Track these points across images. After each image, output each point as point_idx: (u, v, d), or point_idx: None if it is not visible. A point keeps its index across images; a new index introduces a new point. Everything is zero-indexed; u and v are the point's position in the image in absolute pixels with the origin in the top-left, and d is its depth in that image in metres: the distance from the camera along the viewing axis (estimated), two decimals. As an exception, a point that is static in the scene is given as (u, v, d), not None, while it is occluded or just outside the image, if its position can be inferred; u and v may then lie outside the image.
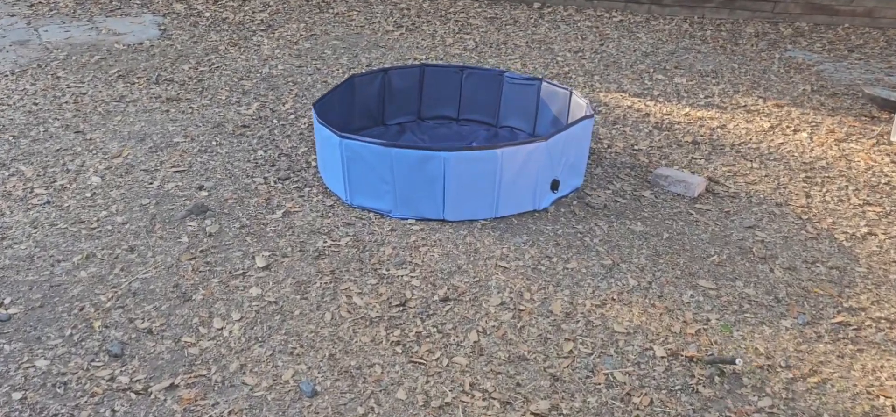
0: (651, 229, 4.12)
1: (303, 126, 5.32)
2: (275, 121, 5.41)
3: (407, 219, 4.04)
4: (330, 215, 4.09)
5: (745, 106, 6.22)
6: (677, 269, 3.76)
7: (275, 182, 4.44)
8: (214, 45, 7.13)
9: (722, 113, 6.02)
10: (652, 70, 7.00)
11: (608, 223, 4.14)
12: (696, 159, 5.16)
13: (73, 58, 6.66)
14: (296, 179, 4.51)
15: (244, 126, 5.28)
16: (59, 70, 6.35)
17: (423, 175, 3.90)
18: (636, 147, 5.29)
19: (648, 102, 6.18)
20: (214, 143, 4.96)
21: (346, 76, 5.03)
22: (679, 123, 5.78)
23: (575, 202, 4.36)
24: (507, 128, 5.41)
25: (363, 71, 6.38)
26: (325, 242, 3.81)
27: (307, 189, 4.37)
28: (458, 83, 5.43)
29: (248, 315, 3.25)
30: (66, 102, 5.62)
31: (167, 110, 5.51)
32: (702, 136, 5.55)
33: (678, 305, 3.45)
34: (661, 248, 3.93)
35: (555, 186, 4.22)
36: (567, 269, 3.67)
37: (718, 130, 5.68)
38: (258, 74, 6.42)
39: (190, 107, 5.60)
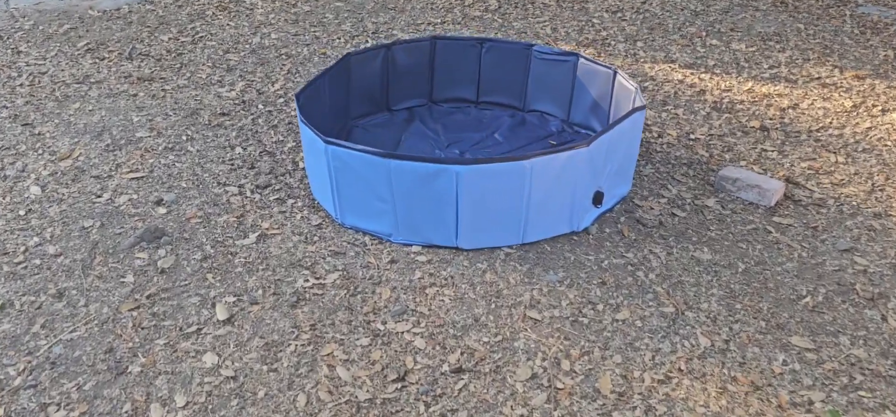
0: (721, 256, 3.23)
1: (292, 113, 4.47)
2: (260, 106, 4.56)
3: (411, 245, 3.20)
4: (315, 239, 3.26)
5: (819, 78, 5.22)
6: (761, 318, 2.88)
7: (252, 192, 3.61)
8: (201, 10, 6.25)
9: (792, 88, 5.03)
10: (704, 33, 5.99)
11: (666, 249, 3.26)
12: (766, 151, 4.23)
13: (40, 28, 5.83)
14: (278, 186, 3.67)
15: (223, 114, 4.43)
16: (21, 43, 5.53)
17: (431, 193, 3.05)
18: (693, 136, 4.36)
19: (703, 75, 5.21)
20: (184, 137, 4.13)
21: (343, 55, 4.15)
22: (742, 102, 4.82)
23: (623, 219, 3.47)
24: (536, 113, 4.51)
25: (363, 46, 5.47)
26: (307, 280, 2.99)
27: (290, 202, 3.53)
28: (476, 59, 4.52)
29: (196, 399, 2.45)
30: (21, 85, 4.81)
31: (135, 94, 4.68)
32: (771, 119, 4.59)
33: (768, 377, 2.59)
34: (737, 285, 3.05)
35: (598, 200, 3.34)
36: (617, 322, 2.82)
37: (790, 111, 4.72)
38: (247, 45, 5.54)
39: (162, 89, 4.76)
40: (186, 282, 2.99)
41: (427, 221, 3.14)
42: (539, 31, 6.01)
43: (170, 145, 4.04)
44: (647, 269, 3.13)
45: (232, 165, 3.87)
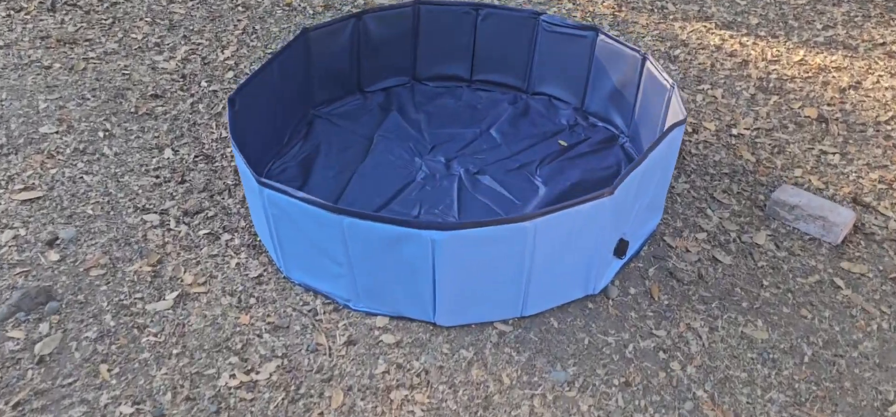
0: (780, 334, 2.47)
1: (240, 97, 3.59)
2: (203, 84, 3.69)
3: (375, 316, 2.43)
4: (252, 301, 2.49)
5: (883, 44, 4.32)
6: (837, 444, 2.15)
7: (177, 221, 2.81)
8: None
9: (852, 58, 4.14)
10: (745, -21, 5.01)
11: (708, 322, 2.49)
12: (825, 153, 3.40)
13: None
14: (212, 211, 2.88)
15: (155, 96, 3.57)
16: (-75, -14, 4.58)
17: (398, 260, 2.26)
18: (735, 130, 3.52)
19: (745, 39, 4.30)
20: (102, 133, 3.29)
21: (299, 31, 3.26)
22: (793, 78, 3.94)
23: (652, 271, 2.69)
24: (544, 97, 3.64)
25: (326, 17, 4.50)
26: (234, 375, 2.25)
27: (225, 238, 2.75)
28: (470, 29, 3.62)
29: None
30: (-87, 49, 3.93)
31: (49, 65, 3.80)
32: (829, 105, 3.74)
33: None
34: (803, 384, 2.31)
35: (621, 251, 2.55)
36: (646, 455, 2.09)
37: (851, 92, 3.85)
38: (197, -8, 4.59)
39: (85, 57, 3.87)
40: (71, 379, 2.23)
41: (395, 290, 2.36)
42: (548, -27, 5.03)
43: (81, 146, 3.21)
44: (684, 357, 2.37)
45: (157, 177, 3.06)
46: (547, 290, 2.44)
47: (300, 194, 2.29)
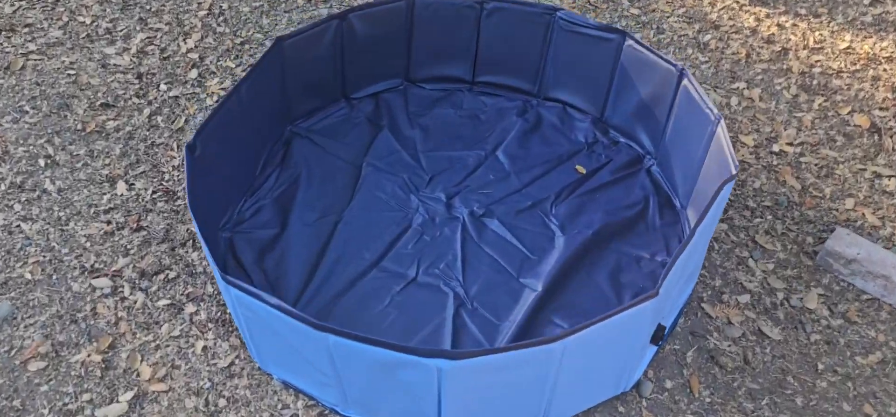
0: (844, 446, 2.11)
1: (209, 102, 3.10)
2: (162, 87, 3.17)
3: (368, 426, 2.05)
4: (222, 403, 2.10)
5: (939, 25, 3.81)
6: None
7: (132, 290, 2.38)
8: None
9: (906, 46, 3.65)
10: (780, -63, 4.42)
11: (759, 429, 2.13)
12: (881, 176, 2.98)
13: None
14: (174, 271, 2.44)
15: (107, 105, 3.06)
16: None
17: (397, 384, 1.85)
18: (776, 146, 3.08)
19: (783, 19, 3.79)
20: (43, 161, 2.81)
21: (273, 42, 2.71)
22: (839, 72, 3.47)
23: (690, 355, 2.30)
24: (557, 103, 3.16)
25: (303, 14, 3.89)
26: None
27: (189, 312, 2.33)
28: (473, 25, 3.09)
29: None
30: None
31: (-18, 63, 3.25)
32: (882, 109, 3.28)
33: None
34: None
35: (658, 337, 2.15)
36: None
37: (907, 91, 3.38)
38: (155, -42, 3.97)
39: (23, 51, 3.32)
40: None
41: (393, 405, 1.96)
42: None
43: (18, 180, 2.72)
44: (733, 481, 2.01)
45: (108, 223, 2.59)
46: (572, 400, 2.05)
47: (274, 301, 1.85)
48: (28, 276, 2.41)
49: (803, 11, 3.86)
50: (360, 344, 1.78)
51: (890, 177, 2.99)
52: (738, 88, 3.37)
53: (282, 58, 2.74)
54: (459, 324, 2.30)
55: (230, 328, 2.29)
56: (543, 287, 2.39)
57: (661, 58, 2.77)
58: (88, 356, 2.20)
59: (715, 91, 3.35)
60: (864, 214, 2.84)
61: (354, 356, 1.81)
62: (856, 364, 2.32)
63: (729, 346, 2.34)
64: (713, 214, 2.18)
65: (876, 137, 3.18)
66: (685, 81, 2.70)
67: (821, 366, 2.31)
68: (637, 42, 2.85)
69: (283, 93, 2.84)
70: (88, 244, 2.52)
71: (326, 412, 2.10)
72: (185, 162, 2.22)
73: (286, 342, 1.94)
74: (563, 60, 3.06)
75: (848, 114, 3.27)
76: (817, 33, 3.71)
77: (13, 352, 2.20)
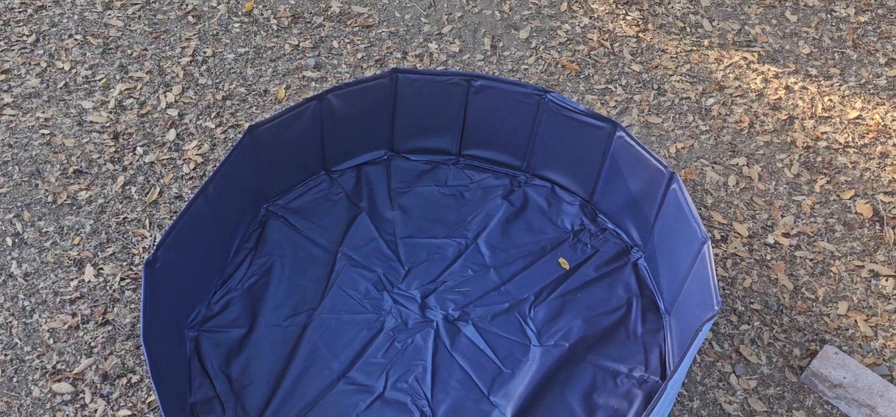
0: None
1: (182, 173, 3.01)
2: (140, 150, 3.09)
3: None
4: None
5: (956, 91, 3.63)
6: None
7: (93, 396, 2.34)
8: None
9: (919, 118, 3.48)
10: (796, -21, 4.21)
11: None
12: (878, 277, 2.87)
13: None
14: (137, 376, 2.39)
15: (80, 172, 2.98)
16: None
17: None
18: (771, 236, 2.98)
19: (792, 80, 3.63)
20: (11, 240, 2.76)
21: (245, 130, 2.60)
22: (846, 147, 3.33)
23: (660, 500, 2.22)
24: (547, 182, 3.05)
25: (295, 35, 3.76)
26: None
27: (148, 430, 2.28)
28: (461, 102, 2.97)
29: None
30: None
31: (-44, 118, 3.18)
32: (887, 193, 3.15)
33: None
34: None
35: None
36: None
37: (915, 172, 3.24)
38: (141, -10, 3.86)
39: (0, 102, 3.24)
40: None
41: None
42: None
43: (-17, 262, 2.67)
44: None
45: (74, 315, 2.54)
46: None
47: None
48: (-13, 379, 2.37)
49: (814, 72, 3.68)
50: None
51: (888, 277, 2.87)
52: (737, 164, 3.24)
53: (255, 145, 2.63)
54: (424, 452, 2.24)
55: (190, 447, 2.24)
56: (513, 411, 2.32)
57: (652, 156, 2.64)
58: (44, 476, 2.17)
59: (713, 168, 3.21)
60: (856, 321, 2.73)
61: None
62: None
63: (702, 486, 2.27)
64: (690, 355, 2.09)
65: (877, 227, 3.04)
66: (674, 186, 2.57)
67: None
68: (628, 135, 2.72)
69: (258, 175, 2.75)
70: (51, 341, 2.47)
71: None
72: (143, 279, 2.15)
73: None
74: (553, 141, 2.94)
75: (850, 199, 3.13)
76: (827, 99, 3.54)
77: (-32, 470, 2.17)
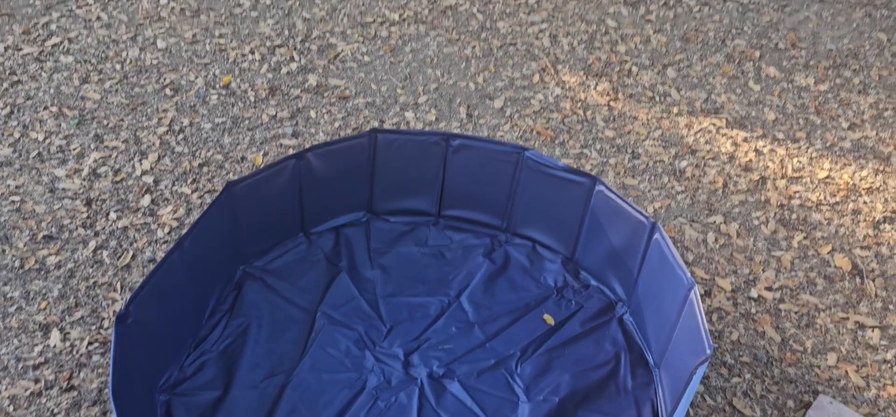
0: None
1: (163, 233, 2.93)
2: (112, 216, 3.01)
3: None
4: None
5: (919, 153, 3.74)
6: None
7: (54, 464, 2.16)
8: (65, -14, 4.46)
9: (885, 173, 3.58)
10: (757, 53, 4.39)
11: None
12: (864, 328, 2.85)
13: None
14: (103, 443, 2.23)
15: (49, 238, 2.89)
16: None
17: None
18: (754, 291, 2.96)
19: (761, 144, 3.71)
20: (-26, 306, 2.61)
21: (223, 188, 2.57)
22: (819, 205, 3.37)
23: None
24: (527, 240, 3.02)
25: (285, 69, 3.81)
26: None
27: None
28: (439, 161, 2.97)
29: None
30: None
31: (-79, 187, 3.08)
32: (863, 248, 3.18)
33: None
34: None
35: None
36: None
37: (886, 226, 3.30)
38: (118, 65, 3.87)
39: (-31, 171, 3.16)
40: None
41: None
42: (532, 41, 4.36)
43: (-57, 329, 2.52)
44: None
45: (36, 380, 2.40)
46: None
47: None
48: (-60, 449, 2.20)
49: (781, 136, 3.78)
50: None
51: (873, 328, 2.85)
52: (714, 222, 3.26)
53: (232, 202, 2.59)
54: None
55: None
56: (504, 468, 2.21)
57: (633, 208, 2.65)
58: None
59: (691, 225, 3.22)
60: (847, 372, 2.69)
61: None
62: None
63: None
64: (686, 400, 2.02)
65: (857, 280, 3.06)
66: (657, 236, 2.57)
67: None
68: (607, 188, 2.73)
69: (236, 234, 2.69)
70: (12, 408, 2.31)
71: None
72: (113, 335, 2.04)
73: None
74: (533, 198, 2.94)
75: (828, 253, 3.15)
76: (796, 160, 3.63)
77: None
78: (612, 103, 3.92)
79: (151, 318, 2.22)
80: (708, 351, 2.10)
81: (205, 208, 3.00)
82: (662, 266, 2.51)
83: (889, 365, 2.72)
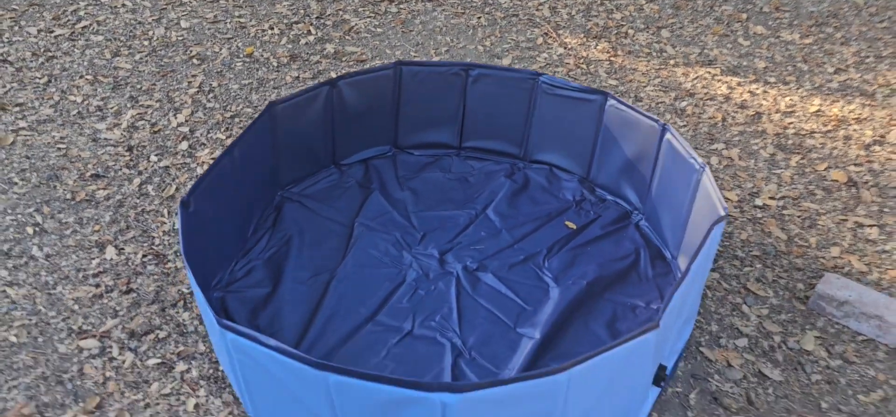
0: (855, 482, 2.07)
1: (202, 171, 3.11)
2: (153, 158, 3.18)
3: (369, 477, 1.96)
4: (214, 462, 2.00)
5: (902, 89, 3.99)
6: None
7: (122, 348, 2.31)
8: (89, -20, 4.69)
9: (871, 106, 3.81)
10: (744, 15, 4.67)
11: (768, 468, 2.08)
12: (862, 226, 3.04)
13: None
14: (164, 331, 2.38)
15: (97, 176, 3.06)
16: None
17: (400, 424, 1.79)
18: (758, 200, 3.14)
19: (754, 86, 3.94)
20: (32, 228, 2.77)
21: (265, 106, 2.77)
22: (812, 133, 3.59)
23: (693, 398, 2.28)
24: (545, 165, 3.22)
25: (303, 40, 4.04)
26: None
27: (180, 370, 2.26)
28: (459, 91, 3.18)
29: None
30: None
31: (-30, 140, 3.25)
32: (857, 165, 3.39)
33: None
34: None
35: (660, 378, 2.12)
36: None
37: (876, 148, 3.51)
38: (146, 42, 4.08)
39: (15, 126, 3.34)
40: None
41: (394, 453, 1.90)
42: (534, 12, 4.63)
43: (5, 247, 2.68)
44: None
45: (97, 286, 2.55)
46: (577, 440, 2.00)
47: (273, 342, 1.81)
48: (12, 339, 2.34)
49: (772, 79, 4.03)
50: (362, 382, 1.74)
51: (871, 226, 3.06)
52: (717, 148, 3.47)
53: (273, 122, 2.78)
54: (458, 374, 2.27)
55: (223, 385, 2.23)
56: (541, 335, 2.37)
57: (643, 115, 2.86)
58: (75, 416, 2.12)
59: (696, 152, 3.43)
60: (850, 261, 2.88)
61: (356, 396, 1.77)
62: (859, 402, 2.31)
63: (731, 388, 2.32)
64: (706, 253, 2.21)
65: (854, 190, 3.27)
66: (668, 136, 2.78)
67: (824, 405, 2.30)
68: (619, 101, 2.94)
69: (275, 158, 2.88)
70: (76, 307, 2.47)
71: (324, 465, 2.02)
72: (179, 216, 2.22)
73: (284, 388, 1.90)
74: (548, 122, 3.15)
75: (824, 170, 3.37)
76: (788, 99, 3.87)
77: (-5, 415, 2.12)
78: (612, 59, 4.16)
79: (206, 215, 2.39)
80: (722, 212, 2.30)
81: (242, 142, 3.19)
82: (675, 161, 2.72)
83: (889, 254, 2.92)
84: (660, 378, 2.14)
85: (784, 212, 3.11)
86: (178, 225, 2.22)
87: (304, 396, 1.87)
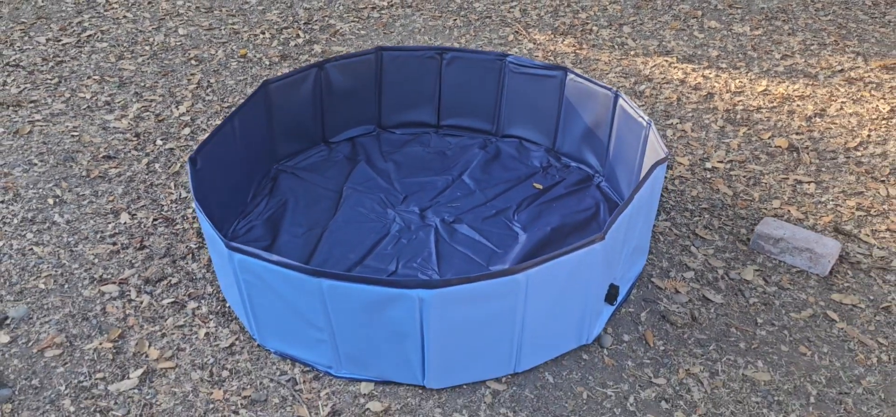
0: (782, 374, 2.39)
1: (199, 155, 3.42)
2: (158, 142, 3.50)
3: (359, 382, 2.27)
4: (224, 374, 2.30)
5: (841, 71, 4.38)
6: (853, 488, 2.06)
7: (139, 292, 2.61)
8: (92, -4, 5.05)
9: (813, 86, 4.19)
10: (700, 12, 5.08)
11: (708, 367, 2.40)
12: (801, 182, 3.38)
13: None
14: (176, 278, 2.68)
15: (108, 157, 3.37)
16: None
17: (384, 323, 2.11)
18: (708, 164, 3.49)
19: (707, 71, 4.32)
20: (52, 200, 3.07)
21: (259, 84, 3.10)
22: (759, 108, 3.96)
23: (644, 316, 2.60)
24: (514, 139, 3.56)
25: (293, 42, 4.40)
26: (209, 460, 2.04)
27: (192, 306, 2.56)
28: (435, 74, 3.53)
29: None
30: None
31: (-9, 131, 3.56)
32: (798, 134, 3.75)
33: None
34: (811, 427, 2.22)
35: (612, 296, 2.45)
36: None
37: (817, 120, 3.87)
38: (147, 47, 4.42)
39: (31, 119, 3.65)
40: (26, 479, 2.00)
41: (381, 354, 2.21)
42: (505, 14, 5.01)
43: (29, 215, 2.98)
44: (687, 405, 2.27)
45: (114, 244, 2.85)
46: (540, 343, 2.31)
47: (274, 257, 2.13)
48: (42, 286, 2.63)
49: (724, 65, 4.41)
50: (351, 284, 2.05)
51: (809, 182, 3.41)
52: (672, 123, 3.83)
53: (267, 98, 3.11)
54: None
55: (230, 318, 2.53)
56: (511, 265, 2.69)
57: (598, 85, 3.22)
58: (100, 344, 2.41)
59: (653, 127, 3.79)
60: (789, 211, 3.23)
61: (347, 297, 2.08)
62: (790, 318, 2.64)
63: (678, 308, 2.64)
64: (650, 186, 2.54)
65: (795, 154, 3.63)
66: (620, 101, 3.13)
67: (760, 320, 2.62)
68: (577, 74, 3.30)
69: (270, 131, 3.20)
70: (96, 260, 2.77)
71: (321, 374, 2.32)
72: (188, 169, 2.53)
73: (283, 301, 2.20)
74: (516, 99, 3.50)
75: (769, 138, 3.73)
76: (737, 81, 4.25)
77: (30, 343, 2.40)
78: (577, 51, 4.54)
79: (211, 176, 2.70)
80: (663, 153, 2.64)
81: (241, 123, 3.51)
82: (627, 123, 3.06)
83: (824, 204, 3.26)
84: (612, 296, 2.46)
85: (731, 173, 3.46)
86: (187, 178, 2.53)
87: (301, 306, 2.17)
